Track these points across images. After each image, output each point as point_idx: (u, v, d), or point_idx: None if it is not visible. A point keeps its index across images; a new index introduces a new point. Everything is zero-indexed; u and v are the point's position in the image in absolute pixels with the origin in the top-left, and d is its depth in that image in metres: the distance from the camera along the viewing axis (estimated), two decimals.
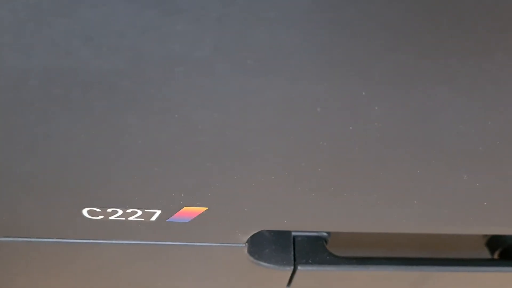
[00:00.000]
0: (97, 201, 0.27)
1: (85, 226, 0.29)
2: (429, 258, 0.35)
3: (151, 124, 0.22)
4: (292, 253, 0.34)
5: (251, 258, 0.33)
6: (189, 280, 0.36)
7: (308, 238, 0.35)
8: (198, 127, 0.23)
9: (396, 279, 0.35)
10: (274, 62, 0.20)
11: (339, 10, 0.19)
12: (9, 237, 0.30)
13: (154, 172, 0.25)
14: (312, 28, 0.19)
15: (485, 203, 0.28)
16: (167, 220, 0.29)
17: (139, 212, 0.28)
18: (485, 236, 0.38)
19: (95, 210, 0.28)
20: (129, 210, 0.28)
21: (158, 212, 0.28)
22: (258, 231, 0.31)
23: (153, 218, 0.29)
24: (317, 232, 0.35)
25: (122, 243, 0.31)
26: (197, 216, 0.28)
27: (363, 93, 0.21)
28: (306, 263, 0.33)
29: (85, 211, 0.28)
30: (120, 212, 0.28)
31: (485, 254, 0.38)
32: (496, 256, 0.37)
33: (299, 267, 0.33)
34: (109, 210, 0.28)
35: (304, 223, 0.31)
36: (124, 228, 0.29)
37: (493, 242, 0.38)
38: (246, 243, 0.32)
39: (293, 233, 0.35)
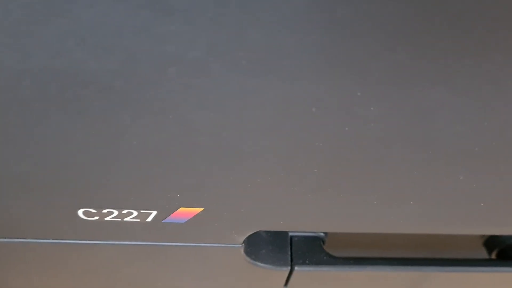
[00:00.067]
0: (93, 202, 0.27)
1: (81, 227, 0.29)
2: (427, 258, 0.35)
3: (146, 124, 0.22)
4: (289, 253, 0.34)
5: (248, 259, 0.33)
6: (185, 281, 0.36)
7: (305, 238, 0.35)
8: (193, 127, 0.23)
9: (393, 279, 0.35)
10: (269, 62, 0.20)
11: (335, 10, 0.19)
12: (4, 237, 0.30)
13: (150, 173, 0.25)
14: (307, 28, 0.19)
15: (482, 203, 0.28)
16: (163, 221, 0.29)
17: (135, 213, 0.28)
18: (482, 236, 0.38)
19: (91, 211, 0.28)
20: (124, 211, 0.28)
21: (154, 213, 0.28)
22: (254, 231, 0.31)
23: (149, 219, 0.28)
24: (314, 232, 0.35)
25: (118, 244, 0.31)
26: (193, 216, 0.28)
27: (359, 93, 0.21)
28: (303, 263, 0.33)
29: (80, 212, 0.28)
30: (115, 213, 0.28)
31: (483, 254, 0.38)
32: (493, 256, 0.37)
33: (296, 268, 0.33)
34: (105, 211, 0.28)
35: (301, 223, 0.31)
36: (120, 229, 0.29)
37: (491, 242, 0.38)
38: (243, 244, 0.32)
39: (290, 234, 0.35)
